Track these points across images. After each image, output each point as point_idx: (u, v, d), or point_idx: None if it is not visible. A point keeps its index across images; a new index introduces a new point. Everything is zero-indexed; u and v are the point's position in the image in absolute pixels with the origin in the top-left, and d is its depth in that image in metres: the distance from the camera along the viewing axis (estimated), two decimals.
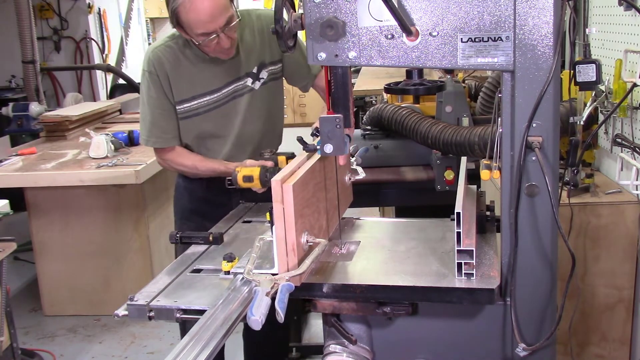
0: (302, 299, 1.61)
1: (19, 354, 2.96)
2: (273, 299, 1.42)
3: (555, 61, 1.39)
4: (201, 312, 1.49)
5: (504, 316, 1.55)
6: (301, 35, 1.58)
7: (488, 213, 1.85)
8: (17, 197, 3.49)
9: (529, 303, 1.53)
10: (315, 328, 3.46)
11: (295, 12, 1.56)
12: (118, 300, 1.68)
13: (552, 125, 1.44)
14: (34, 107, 5.06)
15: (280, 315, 1.38)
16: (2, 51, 6.67)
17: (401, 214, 3.07)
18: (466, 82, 2.98)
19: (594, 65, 2.11)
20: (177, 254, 2.47)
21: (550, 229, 1.49)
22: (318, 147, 1.66)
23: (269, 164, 2.22)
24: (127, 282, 3.92)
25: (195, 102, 2.40)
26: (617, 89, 2.47)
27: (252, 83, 2.44)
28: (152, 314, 1.60)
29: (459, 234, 1.52)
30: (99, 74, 7.33)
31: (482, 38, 1.41)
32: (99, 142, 3.85)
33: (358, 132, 2.67)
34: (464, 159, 1.98)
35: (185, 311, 1.59)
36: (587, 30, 2.87)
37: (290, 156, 2.26)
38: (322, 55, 1.49)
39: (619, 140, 2.56)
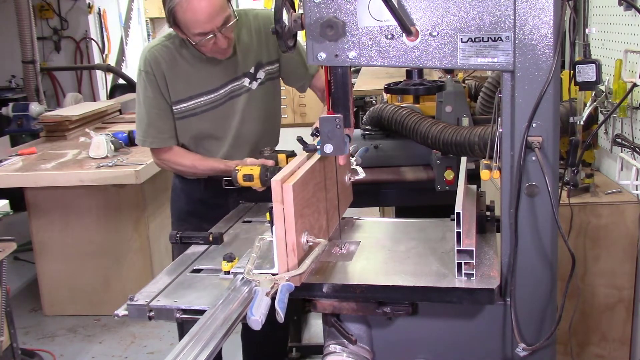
0: (302, 299, 1.61)
1: (19, 354, 2.96)
2: (273, 299, 1.42)
3: (555, 61, 1.39)
4: (201, 312, 1.49)
5: (504, 316, 1.56)
6: (301, 35, 1.58)
7: (488, 213, 1.85)
8: (17, 197, 3.49)
9: (529, 303, 1.53)
10: (315, 328, 3.46)
11: (295, 12, 1.55)
12: (118, 300, 1.68)
13: (552, 125, 1.44)
14: (34, 107, 5.06)
15: (280, 315, 1.38)
16: (2, 51, 6.67)
17: (401, 214, 3.07)
18: (466, 82, 2.98)
19: (594, 65, 2.11)
20: (174, 254, 2.47)
21: (550, 229, 1.49)
22: (318, 147, 1.66)
23: (270, 162, 2.22)
24: (127, 282, 3.92)
25: (192, 102, 2.39)
26: (617, 89, 2.47)
27: (250, 83, 2.44)
28: (152, 314, 1.60)
29: (459, 234, 1.52)
30: (99, 74, 7.33)
31: (482, 38, 1.41)
32: (99, 142, 3.85)
33: (358, 132, 2.66)
34: (464, 159, 1.98)
35: (185, 311, 1.59)
36: (587, 30, 2.87)
37: (291, 154, 2.25)
38: (322, 55, 1.49)
39: (619, 140, 2.56)
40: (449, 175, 2.44)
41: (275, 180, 1.49)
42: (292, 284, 1.47)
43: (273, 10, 1.52)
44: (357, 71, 5.19)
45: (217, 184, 2.37)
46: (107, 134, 3.99)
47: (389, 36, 1.45)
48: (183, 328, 2.49)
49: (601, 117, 2.62)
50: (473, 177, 2.03)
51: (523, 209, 1.49)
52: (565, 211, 2.12)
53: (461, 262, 1.53)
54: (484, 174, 1.63)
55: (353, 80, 3.35)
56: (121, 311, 1.61)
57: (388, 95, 2.83)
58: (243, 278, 1.57)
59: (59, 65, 7.21)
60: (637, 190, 2.42)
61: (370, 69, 4.85)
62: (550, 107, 1.42)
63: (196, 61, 2.37)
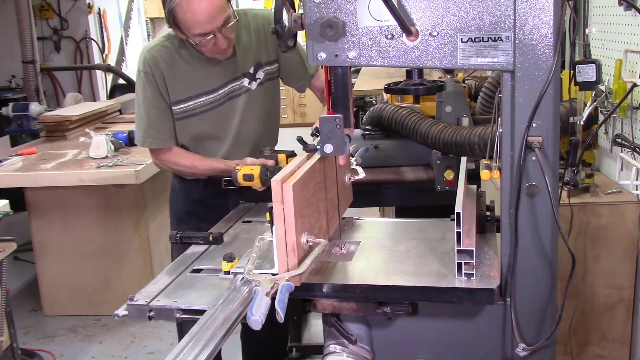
0: (302, 299, 1.61)
1: (19, 354, 2.96)
2: (273, 299, 1.42)
3: (555, 61, 1.39)
4: (201, 312, 1.49)
5: (504, 316, 1.56)
6: (301, 35, 1.58)
7: (488, 213, 1.85)
8: (17, 197, 3.49)
9: (529, 303, 1.53)
10: (315, 328, 3.46)
11: (295, 12, 1.55)
12: (118, 300, 1.68)
13: (552, 125, 1.44)
14: (34, 107, 5.06)
15: (280, 315, 1.38)
16: (2, 51, 6.67)
17: (401, 214, 3.07)
18: (466, 82, 2.98)
19: (594, 65, 2.11)
20: (173, 255, 2.47)
21: (550, 229, 1.49)
22: (318, 147, 1.66)
23: (270, 162, 2.22)
24: (127, 282, 3.92)
25: (191, 102, 2.39)
26: (617, 89, 2.47)
27: (249, 83, 2.43)
28: (152, 314, 1.60)
29: (459, 234, 1.52)
30: (99, 74, 7.33)
31: (482, 38, 1.41)
32: (99, 142, 3.85)
33: (358, 132, 2.66)
34: (464, 159, 1.98)
35: (185, 311, 1.59)
36: (587, 30, 2.87)
37: (291, 154, 2.25)
38: (322, 55, 1.49)
39: (619, 140, 2.56)
40: (449, 175, 2.44)
41: (275, 180, 1.49)
42: (292, 284, 1.47)
43: (273, 10, 1.51)
44: (357, 71, 5.19)
45: (217, 184, 2.36)
46: (107, 134, 3.99)
47: (389, 36, 1.45)
48: (182, 328, 2.49)
49: (601, 117, 2.62)
50: (473, 177, 2.03)
51: (523, 209, 1.49)
52: (565, 211, 2.12)
53: (461, 262, 1.53)
54: (484, 174, 1.63)
55: (353, 80, 3.35)
56: (121, 311, 1.61)
57: (388, 95, 2.83)
58: (243, 278, 1.57)
59: (59, 65, 7.21)
60: (637, 190, 2.42)
61: (370, 69, 4.85)
62: (550, 107, 1.42)
63: (195, 61, 2.36)
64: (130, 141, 4.05)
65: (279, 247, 1.52)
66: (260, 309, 1.37)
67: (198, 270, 1.81)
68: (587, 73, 2.12)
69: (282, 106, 7.46)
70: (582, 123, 2.51)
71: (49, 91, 7.06)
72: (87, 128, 4.53)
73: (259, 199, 2.36)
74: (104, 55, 7.51)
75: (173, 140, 2.44)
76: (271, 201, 1.50)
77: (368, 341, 1.66)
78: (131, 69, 7.37)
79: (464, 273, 1.53)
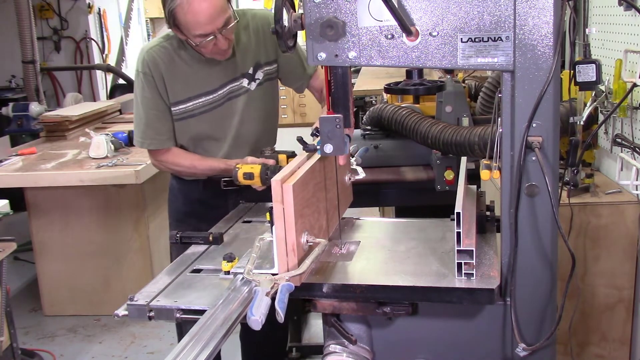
0: (302, 299, 1.61)
1: (19, 354, 2.96)
2: (273, 299, 1.42)
3: (555, 61, 1.39)
4: (201, 312, 1.49)
5: (504, 316, 1.56)
6: (301, 35, 1.58)
7: (488, 213, 1.85)
8: (17, 197, 3.49)
9: (529, 303, 1.53)
10: (315, 328, 3.46)
11: (295, 12, 1.55)
12: (118, 300, 1.68)
13: (552, 125, 1.44)
14: (34, 107, 5.06)
15: (280, 315, 1.38)
16: (2, 51, 6.68)
17: (401, 214, 3.07)
18: (466, 82, 2.98)
19: (594, 65, 2.11)
20: (172, 255, 2.47)
21: (550, 229, 1.49)
22: (318, 147, 1.66)
23: (271, 162, 2.22)
24: (127, 282, 3.92)
25: (191, 103, 2.38)
26: (617, 89, 2.47)
27: (248, 84, 2.43)
28: (152, 314, 1.60)
29: (459, 234, 1.52)
30: (99, 74, 7.33)
31: (482, 38, 1.41)
32: (99, 142, 3.85)
33: (358, 132, 2.66)
34: (464, 159, 1.98)
35: (185, 311, 1.59)
36: (587, 30, 2.87)
37: (291, 155, 2.25)
38: (322, 55, 1.49)
39: (619, 140, 2.56)
40: (449, 175, 2.44)
41: (275, 180, 1.49)
42: (292, 284, 1.47)
43: (273, 10, 1.51)
44: (357, 71, 5.19)
45: (216, 184, 2.36)
46: (107, 134, 3.99)
47: (389, 36, 1.45)
48: (182, 328, 2.49)
49: (601, 117, 2.62)
50: (473, 177, 2.03)
51: (523, 209, 1.49)
52: (565, 211, 2.12)
53: (461, 262, 1.53)
54: (484, 174, 1.63)
55: (353, 80, 3.35)
56: (121, 311, 1.61)
57: (388, 95, 2.83)
58: (243, 278, 1.57)
59: (59, 65, 7.21)
60: (637, 190, 2.42)
61: (370, 69, 4.85)
62: (550, 107, 1.42)
63: (194, 62, 2.36)
64: (130, 141, 4.05)
65: (279, 247, 1.52)
66: (260, 309, 1.37)
67: (198, 270, 1.81)
68: (587, 73, 2.12)
69: (282, 106, 7.50)
70: (582, 123, 2.51)
71: (49, 91, 7.06)
72: (87, 128, 4.53)
73: (258, 199, 2.35)
74: (104, 55, 7.51)
75: (172, 141, 2.43)
76: (271, 201, 1.50)
77: (368, 341, 1.66)
78: (131, 69, 7.36)
79: (464, 273, 1.53)
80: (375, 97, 4.22)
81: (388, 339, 1.66)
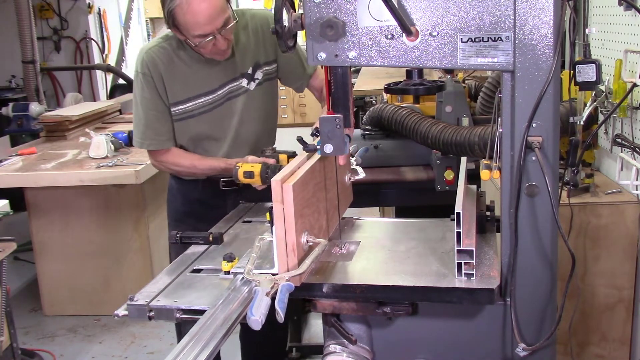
0: (302, 299, 1.61)
1: (19, 354, 2.96)
2: (273, 299, 1.42)
3: (555, 61, 1.39)
4: (201, 312, 1.49)
5: (504, 316, 1.56)
6: (301, 35, 1.58)
7: (488, 213, 1.85)
8: (17, 197, 3.49)
9: (529, 303, 1.53)
10: (315, 328, 3.46)
11: (295, 12, 1.55)
12: (118, 300, 1.68)
13: (552, 125, 1.44)
14: (34, 107, 5.06)
15: (280, 315, 1.38)
16: (2, 51, 6.68)
17: (401, 214, 3.07)
18: (466, 82, 2.98)
19: (594, 65, 2.11)
20: (171, 256, 2.47)
21: (550, 229, 1.49)
22: (318, 147, 1.66)
23: (271, 161, 2.22)
24: (127, 282, 3.92)
25: (190, 103, 2.38)
26: (617, 89, 2.47)
27: (248, 84, 2.43)
28: (152, 314, 1.60)
29: (459, 234, 1.52)
30: (99, 74, 7.33)
31: (482, 38, 1.41)
32: (99, 142, 3.85)
33: (358, 132, 2.66)
34: (464, 159, 1.98)
35: (185, 311, 1.59)
36: (587, 30, 2.87)
37: (292, 155, 2.25)
38: (322, 55, 1.49)
39: (619, 140, 2.56)
40: (449, 175, 2.44)
41: (275, 180, 1.49)
42: (292, 284, 1.47)
43: (273, 10, 1.51)
44: (357, 71, 5.19)
45: (215, 184, 2.36)
46: (107, 134, 3.98)
47: (389, 36, 1.45)
48: (181, 329, 2.48)
49: (601, 117, 2.62)
50: (473, 177, 2.03)
51: (523, 209, 1.49)
52: (565, 211, 2.12)
53: (461, 262, 1.53)
54: (484, 174, 1.63)
55: (353, 80, 3.35)
56: (121, 311, 1.61)
57: (388, 95, 2.83)
58: (243, 278, 1.57)
59: (59, 65, 7.20)
60: (637, 190, 2.42)
61: (370, 69, 4.85)
62: (550, 107, 1.42)
63: (194, 62, 2.36)
64: (130, 141, 4.04)
65: (279, 247, 1.52)
66: (260, 309, 1.37)
67: (198, 270, 1.81)
68: (587, 73, 2.12)
69: (282, 106, 7.50)
70: (582, 123, 2.51)
71: (49, 91, 7.06)
72: (87, 128, 4.53)
73: (258, 199, 2.35)
74: (104, 55, 7.51)
75: (172, 141, 2.43)
76: (271, 201, 1.50)
77: (368, 341, 1.66)
78: (131, 69, 7.31)
79: (464, 273, 1.53)
80: (375, 97, 4.22)
81: (388, 339, 1.66)
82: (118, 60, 7.93)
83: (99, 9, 7.46)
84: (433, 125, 2.38)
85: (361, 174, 1.98)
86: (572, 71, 2.14)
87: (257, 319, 1.35)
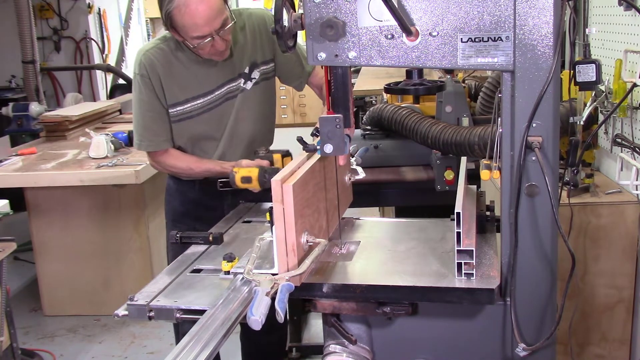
0: (302, 299, 1.61)
1: (19, 354, 2.96)
2: (273, 299, 1.42)
3: (555, 61, 1.39)
4: (201, 312, 1.49)
5: (504, 316, 1.56)
6: (301, 35, 1.58)
7: (488, 213, 1.85)
8: (17, 197, 3.49)
9: (529, 303, 1.53)
10: (315, 328, 3.46)
11: (295, 12, 1.55)
12: (118, 300, 1.68)
13: (552, 125, 1.44)
14: (34, 107, 5.06)
15: (280, 315, 1.38)
16: (2, 51, 6.67)
17: (401, 214, 3.06)
18: (466, 82, 2.98)
19: (594, 65, 2.11)
20: (169, 256, 2.47)
21: (550, 229, 1.49)
22: (318, 147, 1.66)
23: (265, 163, 2.22)
24: (127, 282, 3.92)
25: (189, 104, 2.38)
26: (617, 89, 2.47)
27: (244, 84, 2.43)
28: (152, 314, 1.60)
29: (459, 234, 1.52)
30: (99, 74, 7.33)
31: (482, 38, 1.41)
32: (99, 142, 3.85)
33: (358, 132, 2.66)
34: (464, 159, 1.98)
35: (185, 311, 1.59)
36: (587, 30, 2.87)
37: (285, 154, 2.26)
38: (322, 55, 1.49)
39: (619, 140, 2.56)
40: (449, 175, 2.44)
41: (275, 180, 1.49)
42: (292, 284, 1.47)
43: (272, 10, 1.51)
44: (357, 71, 5.19)
45: (212, 185, 2.36)
46: (107, 134, 3.98)
47: (389, 36, 1.45)
48: (180, 329, 2.48)
49: (601, 117, 2.62)
50: (473, 177, 2.03)
51: (523, 209, 1.49)
52: (565, 211, 2.12)
53: (461, 262, 1.53)
54: (484, 174, 1.63)
55: (353, 80, 3.35)
56: (121, 311, 1.61)
57: (388, 95, 2.83)
58: (243, 278, 1.57)
59: (59, 65, 7.20)
60: (637, 190, 2.42)
61: (370, 69, 4.85)
62: (550, 107, 1.42)
63: (192, 63, 2.35)
64: (130, 141, 4.05)
65: (279, 247, 1.52)
66: (260, 309, 1.37)
67: (198, 270, 1.81)
68: (587, 73, 2.11)
69: (282, 106, 7.51)
70: (582, 123, 2.51)
71: (49, 91, 7.06)
72: (87, 128, 4.52)
73: (257, 199, 2.36)
74: (104, 55, 7.51)
75: (169, 142, 2.43)
76: (270, 201, 1.50)
77: (368, 341, 1.66)
78: (131, 69, 7.32)
79: (464, 273, 1.53)
80: (375, 97, 4.21)
81: (388, 339, 1.66)
82: (118, 60, 7.93)
83: (99, 9, 7.46)
84: (433, 125, 2.38)
85: (361, 174, 1.98)
86: (572, 71, 2.14)
87: (257, 319, 1.35)
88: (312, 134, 1.89)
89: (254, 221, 2.21)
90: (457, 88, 2.44)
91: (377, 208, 4.08)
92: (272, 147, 2.62)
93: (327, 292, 1.56)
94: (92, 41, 7.36)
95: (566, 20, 1.95)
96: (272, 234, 1.54)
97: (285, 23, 1.52)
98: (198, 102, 2.38)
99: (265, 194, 2.12)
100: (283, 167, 1.81)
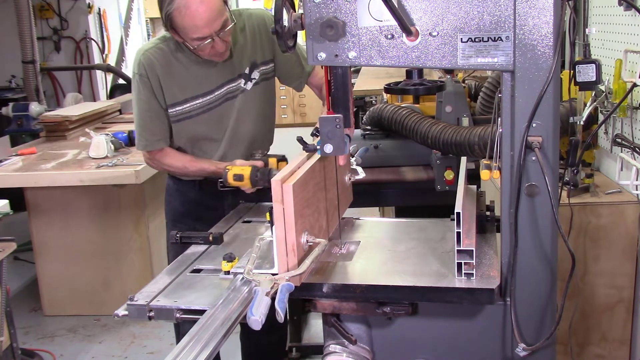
0: (302, 299, 1.61)
1: (19, 354, 2.96)
2: (273, 299, 1.42)
3: (555, 61, 1.39)
4: (201, 312, 1.49)
5: (504, 316, 1.56)
6: (301, 35, 1.58)
7: (488, 213, 1.85)
8: (17, 197, 3.49)
9: (529, 303, 1.53)
10: (315, 328, 3.46)
11: (295, 12, 1.55)
12: (118, 300, 1.68)
13: (552, 125, 1.44)
14: (34, 107, 5.06)
15: (280, 315, 1.38)
16: (2, 51, 6.67)
17: (401, 214, 3.07)
18: (466, 82, 2.98)
19: (594, 65, 2.11)
20: (169, 256, 2.47)
21: (550, 229, 1.49)
22: (318, 147, 1.66)
23: (259, 164, 2.23)
24: (127, 282, 3.92)
25: (188, 105, 2.38)
26: (617, 89, 2.47)
27: (244, 84, 2.42)
28: (152, 314, 1.60)
29: (459, 234, 1.52)
30: (99, 74, 7.33)
31: (482, 38, 1.41)
32: (99, 142, 3.85)
33: (358, 132, 2.66)
34: (464, 159, 1.98)
35: (185, 311, 1.59)
36: (587, 30, 2.87)
37: (281, 158, 2.27)
38: (322, 55, 1.49)
39: (619, 140, 2.56)
40: (449, 175, 2.44)
41: (275, 180, 1.49)
42: (292, 284, 1.47)
43: (272, 10, 1.51)
44: (357, 71, 5.19)
45: (212, 185, 2.36)
46: (107, 134, 3.98)
47: (389, 36, 1.45)
48: (180, 329, 2.48)
49: (601, 117, 2.62)
50: (473, 177, 2.03)
51: (523, 209, 1.49)
52: (565, 211, 2.12)
53: (461, 262, 1.53)
54: (484, 174, 1.63)
55: (353, 80, 3.35)
56: (121, 311, 1.61)
57: (388, 95, 2.83)
58: (243, 278, 1.57)
59: (59, 65, 7.20)
60: (637, 190, 2.42)
61: (370, 69, 4.85)
62: (550, 107, 1.42)
63: (192, 64, 2.35)
64: (130, 141, 4.05)
65: (279, 247, 1.52)
66: (260, 309, 1.37)
67: (198, 270, 1.81)
68: (587, 73, 2.11)
69: (282, 106, 7.51)
70: (582, 123, 2.51)
71: (49, 91, 7.06)
72: (87, 128, 4.52)
73: (257, 200, 2.36)
74: (104, 55, 7.51)
75: (165, 141, 2.43)
76: (270, 201, 1.50)
77: (368, 341, 1.66)
78: (131, 69, 7.35)
79: (464, 273, 1.53)
80: (375, 97, 4.21)
81: (388, 339, 1.66)
82: (118, 60, 7.93)
83: (99, 9, 7.46)
84: (433, 125, 2.38)
85: (361, 174, 1.98)
86: (572, 71, 2.14)
87: (257, 319, 1.35)
88: (312, 134, 1.89)
89: (254, 221, 2.21)
90: (457, 88, 2.44)
91: (377, 208, 4.08)
92: (272, 147, 2.63)
93: (327, 292, 1.56)
94: (92, 41, 7.36)
95: (566, 20, 1.95)
96: (272, 234, 1.54)
97: (285, 23, 1.52)
98: (197, 102, 2.38)
99: (265, 193, 2.12)
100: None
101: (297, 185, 1.50)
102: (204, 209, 2.50)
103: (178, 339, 2.49)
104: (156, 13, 2.21)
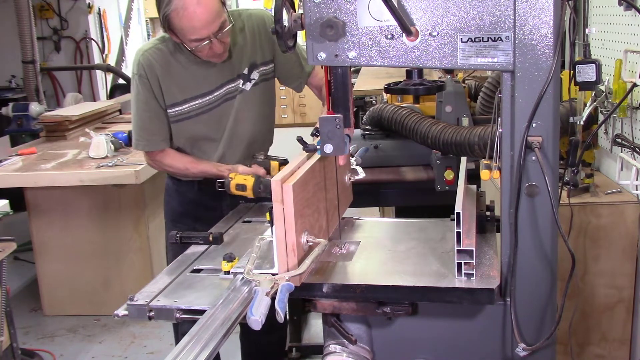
0: (302, 299, 1.61)
1: (19, 354, 2.96)
2: (273, 299, 1.42)
3: (555, 61, 1.39)
4: (201, 312, 1.49)
5: (504, 316, 1.56)
6: (301, 35, 1.58)
7: (488, 213, 1.85)
8: (17, 197, 3.49)
9: (529, 303, 1.53)
10: (315, 328, 3.46)
11: (295, 12, 1.55)
12: (118, 300, 1.68)
13: (552, 125, 1.44)
14: (34, 107, 5.07)
15: (280, 315, 1.38)
16: (2, 51, 6.67)
17: (401, 214, 3.07)
18: (466, 82, 2.98)
19: (594, 65, 2.11)
20: (168, 257, 2.46)
21: (550, 229, 1.49)
22: (318, 147, 1.66)
23: (262, 171, 2.24)
24: (127, 282, 3.92)
25: (187, 105, 2.38)
26: (617, 89, 2.47)
27: (243, 84, 2.42)
28: (152, 314, 1.60)
29: (459, 234, 1.52)
30: (99, 74, 7.33)
31: (482, 38, 1.41)
32: (99, 142, 3.85)
33: (358, 132, 2.66)
34: (464, 159, 1.98)
35: (185, 311, 1.59)
36: (587, 30, 2.87)
37: (283, 162, 2.27)
38: (322, 55, 1.49)
39: (619, 140, 2.56)
40: (449, 175, 2.44)
41: (275, 180, 1.49)
42: (292, 284, 1.47)
43: (272, 10, 1.51)
44: (357, 71, 5.19)
45: (211, 185, 2.36)
46: (107, 134, 3.98)
47: (389, 36, 1.45)
48: (179, 329, 2.48)
49: (601, 117, 2.62)
50: (473, 177, 2.03)
51: (523, 209, 1.49)
52: (565, 211, 2.12)
53: (461, 262, 1.53)
54: (484, 174, 1.63)
55: (353, 80, 3.35)
56: (121, 311, 1.61)
57: (388, 95, 2.83)
58: (243, 278, 1.57)
59: (59, 65, 7.20)
60: (637, 190, 2.42)
61: (370, 69, 4.85)
62: (550, 107, 1.42)
63: (191, 64, 2.35)
64: (130, 141, 4.04)
65: (279, 247, 1.52)
66: (260, 309, 1.37)
67: (198, 270, 1.81)
68: (587, 73, 2.11)
69: (282, 106, 7.51)
70: (582, 123, 2.51)
71: (49, 91, 7.06)
72: (87, 128, 4.52)
73: (256, 200, 2.36)
74: (104, 55, 7.51)
75: (166, 142, 2.43)
76: (270, 201, 1.50)
77: (368, 341, 1.66)
78: (131, 69, 7.35)
79: (464, 273, 1.53)
80: (375, 97, 4.22)
81: (388, 339, 1.66)
82: (118, 60, 7.93)
83: (99, 9, 7.46)
84: (433, 125, 2.38)
85: (361, 174, 1.98)
86: (572, 71, 2.14)
87: (257, 319, 1.35)
88: (312, 134, 1.89)
89: (254, 221, 2.21)
90: (457, 88, 2.44)
91: (377, 208, 4.08)
92: (272, 147, 2.63)
93: (327, 292, 1.56)
94: (92, 41, 7.36)
95: (566, 20, 1.95)
96: (272, 234, 1.54)
97: (285, 23, 1.52)
98: (196, 102, 2.38)
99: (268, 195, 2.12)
100: None
101: (297, 185, 1.50)
102: (202, 209, 2.49)
103: (178, 339, 2.49)
104: (156, 13, 2.21)
